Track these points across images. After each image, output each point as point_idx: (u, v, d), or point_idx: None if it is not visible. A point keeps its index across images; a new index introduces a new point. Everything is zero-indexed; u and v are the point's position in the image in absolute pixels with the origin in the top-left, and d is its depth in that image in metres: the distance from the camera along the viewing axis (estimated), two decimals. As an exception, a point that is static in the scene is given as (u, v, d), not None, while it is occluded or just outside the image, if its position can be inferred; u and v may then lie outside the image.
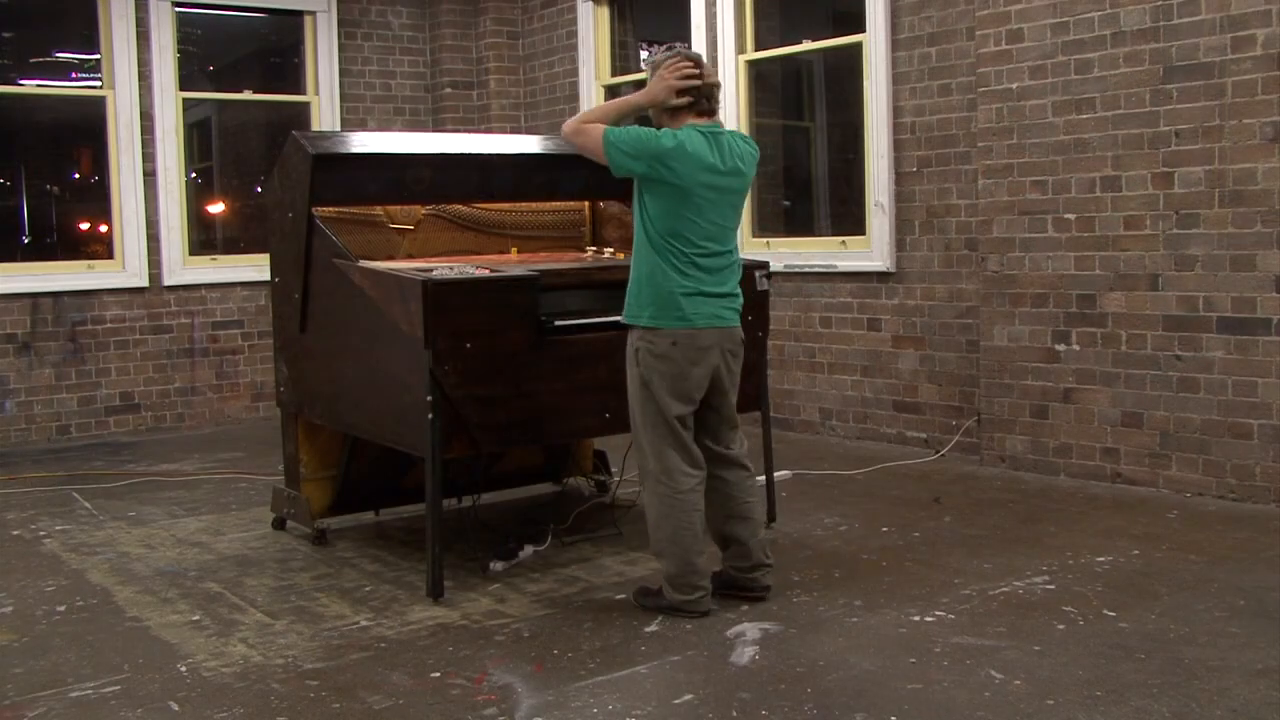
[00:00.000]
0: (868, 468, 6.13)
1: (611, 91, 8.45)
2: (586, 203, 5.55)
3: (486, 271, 4.27)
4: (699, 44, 7.63)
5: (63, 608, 4.18)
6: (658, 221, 3.80)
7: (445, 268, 4.28)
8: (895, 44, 6.59)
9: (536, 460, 5.63)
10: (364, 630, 3.86)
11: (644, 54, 8.61)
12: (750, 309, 4.32)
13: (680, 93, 3.84)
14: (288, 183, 4.76)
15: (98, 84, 7.96)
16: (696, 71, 3.86)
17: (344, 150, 4.82)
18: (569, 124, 3.93)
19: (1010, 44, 5.83)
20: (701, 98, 3.88)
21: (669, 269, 3.79)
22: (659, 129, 3.85)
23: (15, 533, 5.30)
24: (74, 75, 8.28)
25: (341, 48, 8.81)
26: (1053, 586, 4.10)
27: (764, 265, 4.74)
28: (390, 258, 4.91)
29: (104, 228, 8.06)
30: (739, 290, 3.97)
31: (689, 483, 3.86)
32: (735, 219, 3.93)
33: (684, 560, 3.84)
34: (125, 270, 7.97)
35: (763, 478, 4.89)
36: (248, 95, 8.76)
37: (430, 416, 3.99)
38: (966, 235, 6.32)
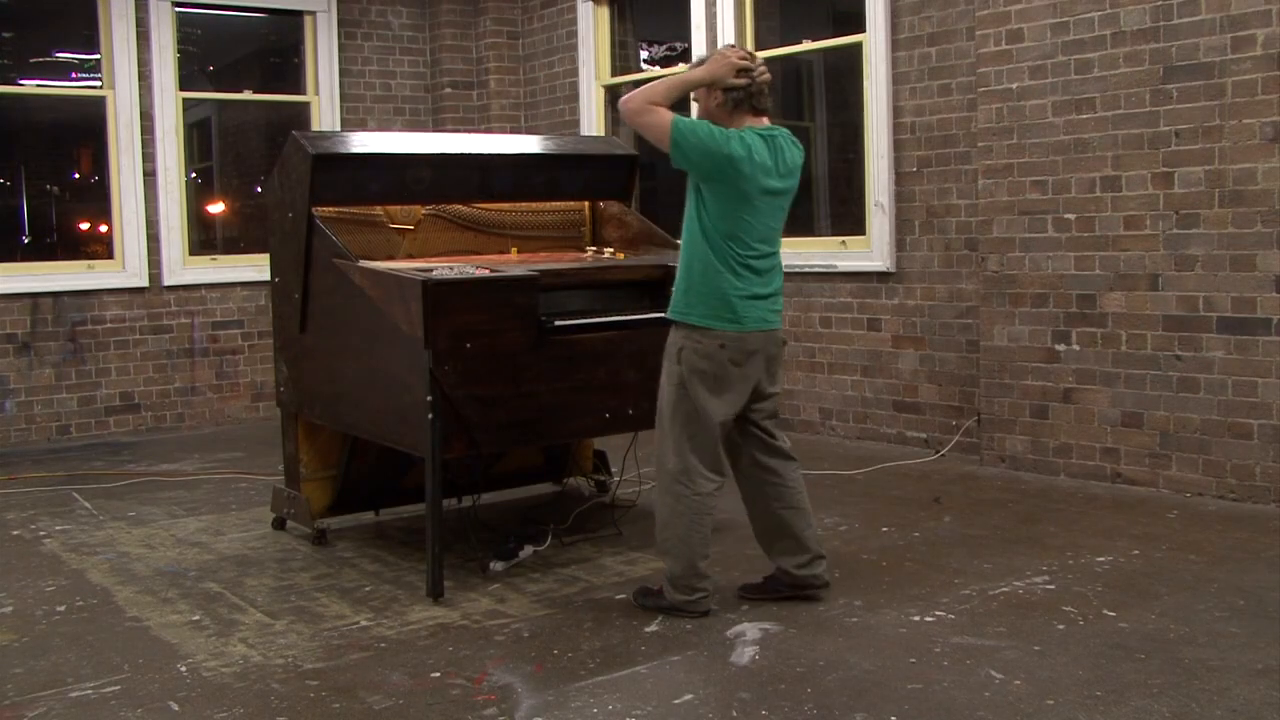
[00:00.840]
0: (868, 468, 6.13)
1: (611, 91, 8.45)
2: (586, 203, 5.55)
3: (486, 271, 4.27)
4: (699, 44, 7.61)
5: (63, 608, 4.18)
6: (718, 222, 3.76)
7: (445, 268, 4.28)
8: (895, 44, 6.59)
9: (536, 460, 5.63)
10: (364, 630, 3.86)
11: (644, 54, 8.60)
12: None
13: (739, 72, 3.79)
14: (288, 183, 4.76)
15: (98, 84, 7.96)
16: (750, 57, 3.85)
17: (344, 150, 4.82)
18: (633, 101, 3.79)
19: (1010, 44, 5.83)
20: (757, 92, 3.83)
21: (725, 270, 3.76)
22: (717, 126, 3.77)
23: (15, 533, 5.30)
24: (74, 75, 8.28)
25: (341, 48, 8.81)
26: (1053, 586, 4.10)
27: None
28: (390, 258, 4.91)
29: (104, 228, 8.06)
30: (781, 290, 3.96)
31: (709, 487, 3.84)
32: (783, 220, 3.93)
33: (689, 562, 3.84)
34: (125, 270, 7.97)
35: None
36: (248, 95, 8.76)
37: (430, 416, 3.99)
38: (966, 235, 6.32)
